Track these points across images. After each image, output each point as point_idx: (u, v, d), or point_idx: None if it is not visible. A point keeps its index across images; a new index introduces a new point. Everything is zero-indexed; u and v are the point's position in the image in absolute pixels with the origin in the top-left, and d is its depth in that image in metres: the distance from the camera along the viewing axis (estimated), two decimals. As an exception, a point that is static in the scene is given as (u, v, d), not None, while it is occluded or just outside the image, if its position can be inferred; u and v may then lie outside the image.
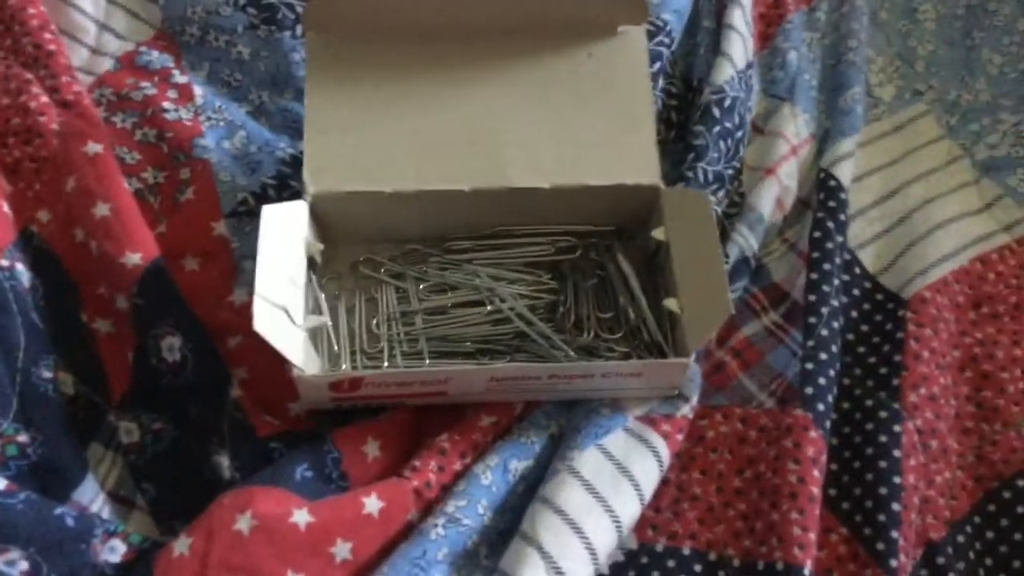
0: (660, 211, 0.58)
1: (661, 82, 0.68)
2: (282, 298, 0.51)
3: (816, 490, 0.54)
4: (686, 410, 0.56)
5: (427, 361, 0.55)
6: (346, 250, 0.60)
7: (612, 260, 0.60)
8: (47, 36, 0.65)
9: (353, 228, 0.59)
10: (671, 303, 0.55)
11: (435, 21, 0.59)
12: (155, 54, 0.68)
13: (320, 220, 0.57)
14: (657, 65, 0.67)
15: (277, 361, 0.56)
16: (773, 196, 0.65)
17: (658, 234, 0.57)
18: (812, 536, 0.52)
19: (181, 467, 0.53)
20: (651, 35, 0.66)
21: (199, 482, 0.52)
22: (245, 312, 0.57)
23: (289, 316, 0.51)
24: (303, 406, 0.55)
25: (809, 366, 0.57)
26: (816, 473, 0.54)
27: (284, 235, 0.53)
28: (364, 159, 0.57)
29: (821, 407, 0.56)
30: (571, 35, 0.60)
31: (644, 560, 0.53)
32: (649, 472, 0.54)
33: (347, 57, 0.59)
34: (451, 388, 0.53)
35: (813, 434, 0.55)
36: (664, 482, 0.55)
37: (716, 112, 0.66)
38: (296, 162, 0.64)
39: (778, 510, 0.53)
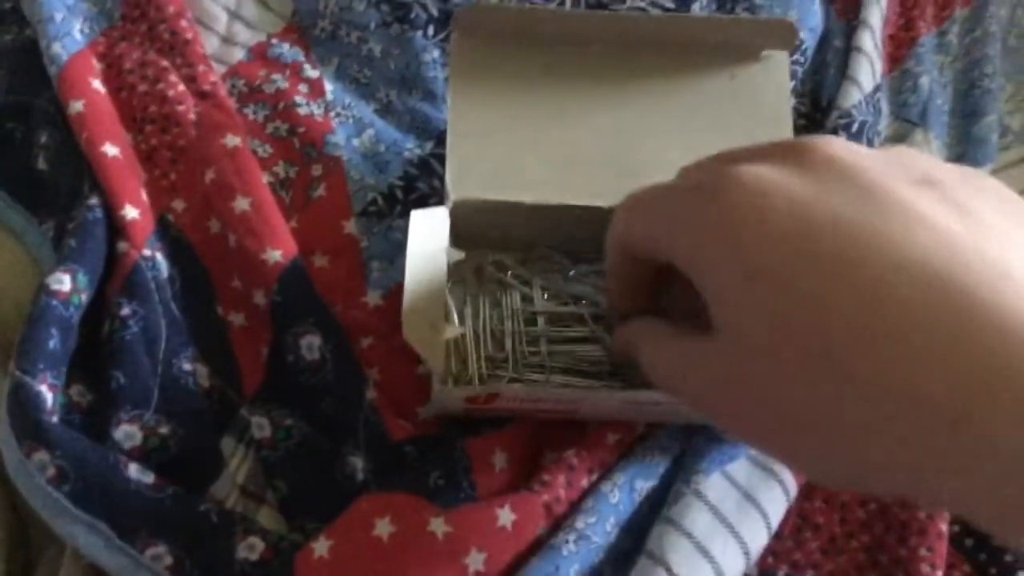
0: None
1: (792, 101, 0.67)
2: (428, 307, 0.51)
3: (944, 527, 0.53)
4: (812, 441, 0.56)
5: (553, 380, 0.55)
6: (472, 257, 0.60)
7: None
8: (183, 24, 0.65)
9: (482, 236, 0.58)
10: None
11: (581, 34, 0.59)
12: (286, 47, 0.68)
13: (453, 226, 0.57)
14: (791, 84, 0.66)
15: (407, 364, 0.56)
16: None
17: None
18: (940, 574, 0.52)
19: (312, 465, 0.53)
20: (787, 54, 0.65)
21: (330, 481, 0.53)
22: (378, 313, 0.58)
23: (433, 325, 0.51)
24: (431, 411, 0.55)
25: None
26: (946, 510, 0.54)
27: (429, 242, 0.53)
28: (504, 168, 0.57)
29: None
30: (716, 56, 0.60)
31: (766, 587, 0.53)
32: (776, 501, 0.53)
33: (492, 63, 0.58)
34: (583, 407, 0.53)
35: (943, 471, 0.54)
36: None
37: (844, 136, 0.65)
38: (423, 164, 0.64)
39: (906, 545, 0.53)
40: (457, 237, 0.58)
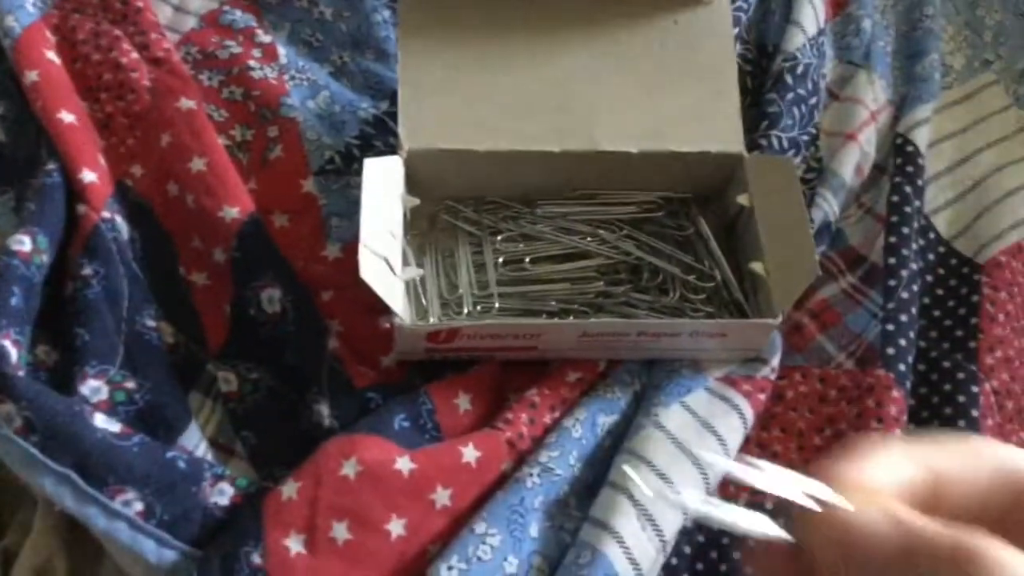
0: (743, 177, 0.58)
1: (738, 47, 0.69)
2: (384, 249, 0.52)
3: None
4: (766, 372, 0.57)
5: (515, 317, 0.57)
6: (431, 207, 0.61)
7: (692, 224, 0.61)
8: (134, -7, 0.66)
9: (440, 186, 0.60)
10: (757, 266, 0.56)
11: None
12: (238, 13, 0.68)
13: (410, 177, 0.58)
14: (735, 31, 0.67)
15: (369, 314, 0.57)
16: (854, 161, 0.65)
17: (743, 199, 0.58)
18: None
19: (279, 416, 0.54)
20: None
21: (297, 431, 0.54)
22: (338, 266, 0.59)
23: (390, 267, 0.52)
24: (396, 356, 0.56)
25: (890, 327, 0.58)
26: (899, 432, 0.55)
27: (383, 189, 0.54)
28: (456, 118, 0.58)
29: (902, 367, 0.57)
30: (660, 2, 0.61)
31: (727, 514, 0.54)
32: (733, 429, 0.55)
33: (438, 17, 0.59)
34: (542, 343, 0.54)
35: (895, 393, 0.56)
36: (744, 440, 0.56)
37: (789, 79, 0.67)
38: (379, 122, 0.65)
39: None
40: (414, 185, 0.59)
